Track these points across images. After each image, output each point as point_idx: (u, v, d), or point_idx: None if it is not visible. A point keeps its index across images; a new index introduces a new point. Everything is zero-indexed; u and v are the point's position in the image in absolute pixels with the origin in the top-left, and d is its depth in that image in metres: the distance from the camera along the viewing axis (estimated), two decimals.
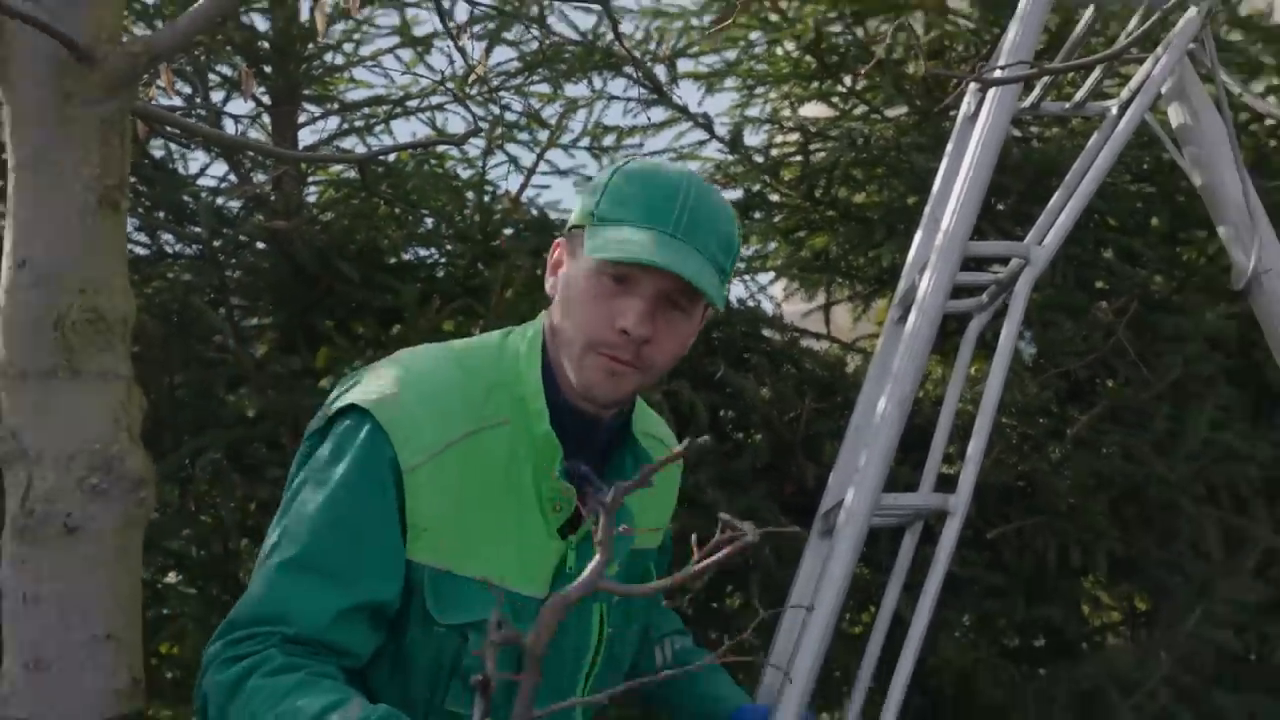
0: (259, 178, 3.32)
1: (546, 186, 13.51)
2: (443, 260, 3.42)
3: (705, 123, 3.60)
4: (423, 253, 3.42)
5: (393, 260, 3.35)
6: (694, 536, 1.07)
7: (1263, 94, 3.63)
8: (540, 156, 3.58)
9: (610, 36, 3.39)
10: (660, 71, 3.62)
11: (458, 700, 1.58)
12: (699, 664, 1.78)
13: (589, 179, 3.58)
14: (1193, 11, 2.33)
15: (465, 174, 3.55)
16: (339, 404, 1.61)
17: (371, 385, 1.62)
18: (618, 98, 3.75)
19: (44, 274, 1.98)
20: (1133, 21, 2.61)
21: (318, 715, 1.41)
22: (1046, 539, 3.19)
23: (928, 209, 2.65)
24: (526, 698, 1.18)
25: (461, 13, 3.56)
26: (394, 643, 1.60)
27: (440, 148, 3.45)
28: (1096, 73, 2.72)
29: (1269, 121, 3.41)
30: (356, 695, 1.47)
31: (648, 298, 1.59)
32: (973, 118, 2.61)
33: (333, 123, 3.55)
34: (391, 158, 3.38)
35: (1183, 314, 3.34)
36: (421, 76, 3.53)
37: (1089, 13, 2.67)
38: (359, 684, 1.57)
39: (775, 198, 3.56)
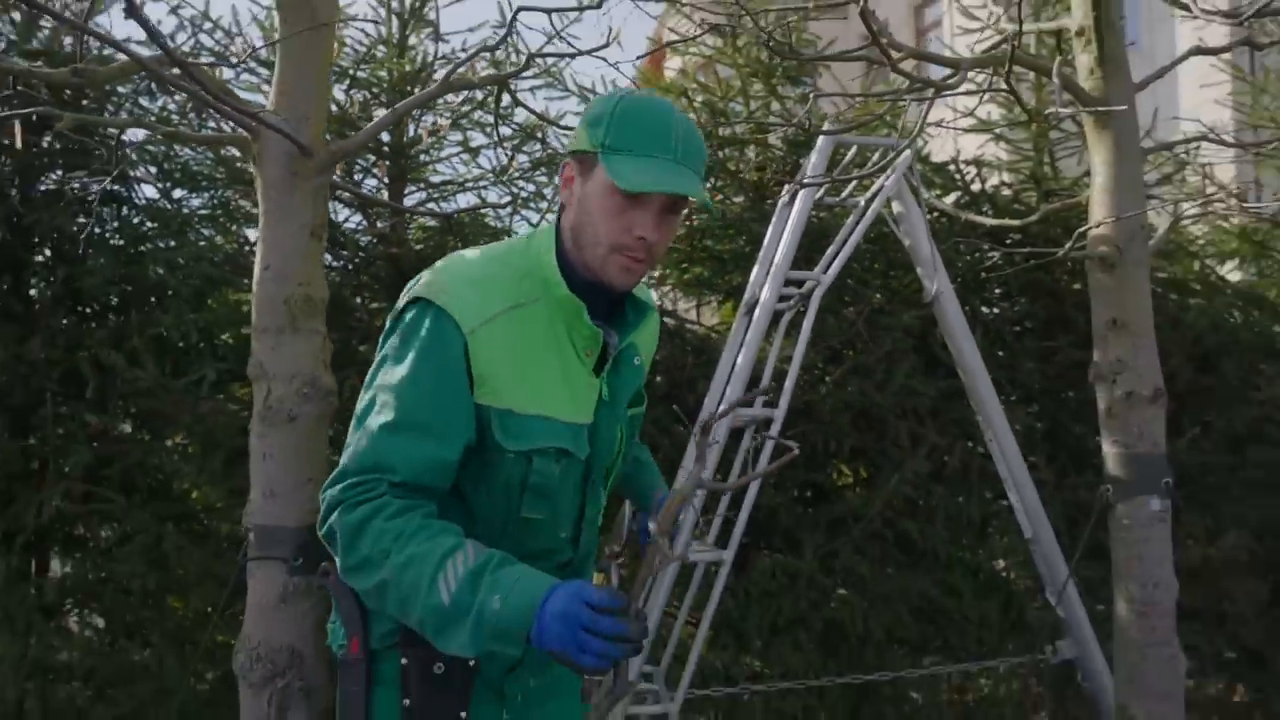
0: (381, 224, 3.28)
1: None
2: None
3: None
4: None
5: None
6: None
7: (935, 196, 3.69)
8: (542, 217, 3.46)
9: None
10: None
11: (530, 508, 1.30)
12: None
13: None
14: (907, 154, 2.42)
15: (498, 225, 3.45)
16: (404, 300, 1.32)
17: (427, 282, 1.32)
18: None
19: (279, 273, 1.91)
20: (875, 155, 2.70)
21: (442, 558, 1.16)
22: (816, 436, 3.11)
23: (762, 252, 2.67)
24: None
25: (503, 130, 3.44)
26: (476, 469, 1.29)
27: (487, 210, 3.38)
28: (854, 184, 2.81)
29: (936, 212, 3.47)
30: (469, 540, 1.20)
31: (656, 209, 1.30)
32: (789, 204, 2.68)
33: (422, 194, 3.45)
34: (455, 214, 3.30)
35: (893, 315, 3.25)
36: (477, 168, 3.47)
37: (853, 150, 2.75)
38: (456, 502, 1.30)
39: (672, 244, 3.40)
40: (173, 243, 3.13)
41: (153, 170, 3.17)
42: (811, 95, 2.65)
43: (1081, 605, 2.60)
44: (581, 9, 1.94)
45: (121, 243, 3.07)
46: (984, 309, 3.54)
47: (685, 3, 2.72)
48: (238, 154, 3.13)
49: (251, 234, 3.39)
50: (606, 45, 2.24)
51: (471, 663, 1.27)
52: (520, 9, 1.84)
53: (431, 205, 3.34)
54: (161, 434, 3.07)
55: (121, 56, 2.00)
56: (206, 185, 3.29)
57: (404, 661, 1.28)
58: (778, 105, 3.47)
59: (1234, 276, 4.06)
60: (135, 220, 3.16)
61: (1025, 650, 3.11)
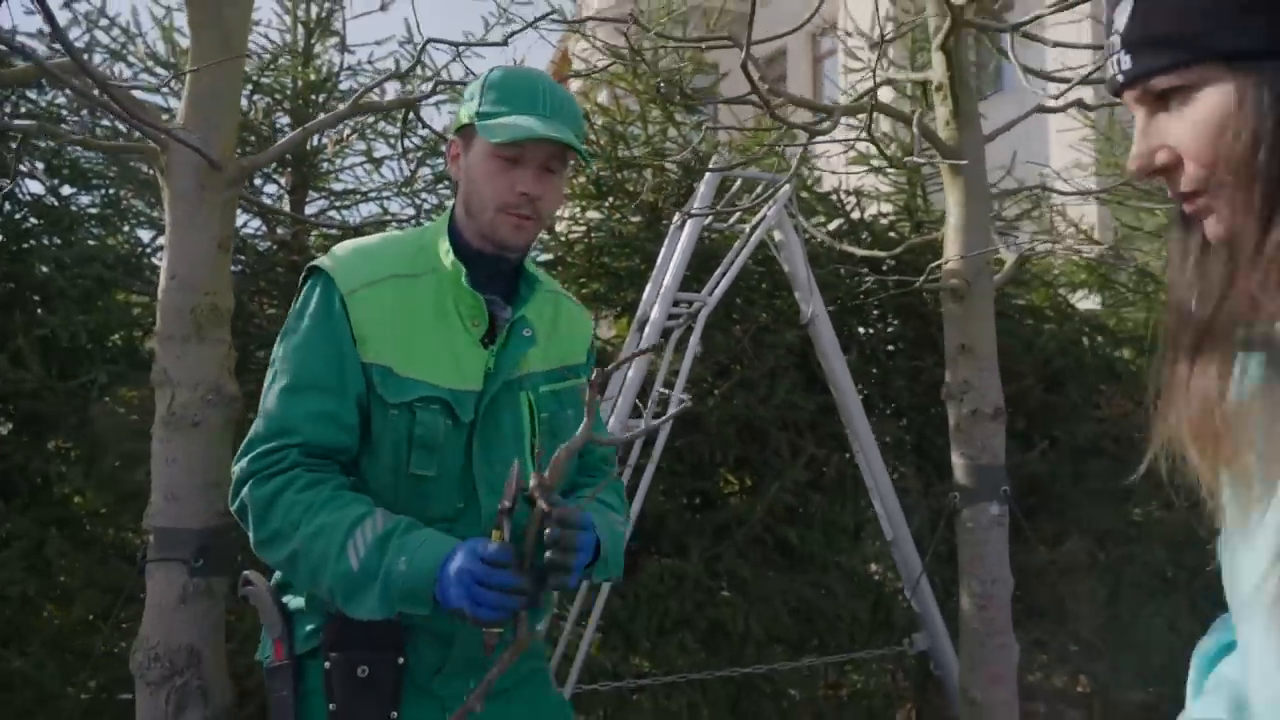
0: (280, 230, 3.31)
1: None
2: None
3: None
4: None
5: None
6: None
7: (819, 223, 3.91)
8: None
9: None
10: None
11: (419, 464, 1.30)
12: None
13: None
14: (787, 187, 2.65)
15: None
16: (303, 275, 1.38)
17: (322, 257, 1.37)
18: None
19: (186, 282, 1.93)
20: (759, 188, 2.93)
21: (350, 526, 1.19)
22: (703, 447, 3.27)
23: (654, 273, 2.88)
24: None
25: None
26: (367, 432, 1.31)
27: (389, 220, 3.42)
28: (740, 213, 3.03)
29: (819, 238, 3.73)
30: (379, 509, 1.24)
31: (535, 165, 1.33)
32: (680, 228, 2.89)
33: (324, 203, 3.47)
34: (360, 225, 3.34)
35: (776, 334, 3.41)
36: (380, 178, 3.51)
37: (739, 182, 2.98)
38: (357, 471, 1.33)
39: (570, 260, 3.54)
40: (59, 241, 3.10)
41: (39, 166, 3.13)
42: (705, 126, 2.85)
43: (934, 600, 2.89)
44: (486, 44, 2.07)
45: (3, 239, 3.01)
46: (860, 329, 3.82)
47: (588, 32, 2.88)
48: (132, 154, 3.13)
49: (144, 235, 3.39)
50: (502, 43, 2.37)
51: (400, 660, 1.29)
52: (429, 41, 1.95)
53: (332, 214, 3.40)
54: (41, 437, 3.03)
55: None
56: (97, 184, 3.26)
57: (327, 665, 1.28)
58: (674, 131, 3.68)
59: (1085, 305, 4.51)
60: (18, 216, 3.12)
61: (893, 646, 3.40)
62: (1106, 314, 4.23)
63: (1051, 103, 2.40)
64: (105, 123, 3.06)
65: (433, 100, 2.43)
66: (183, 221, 1.94)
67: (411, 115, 2.36)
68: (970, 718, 2.36)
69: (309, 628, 1.32)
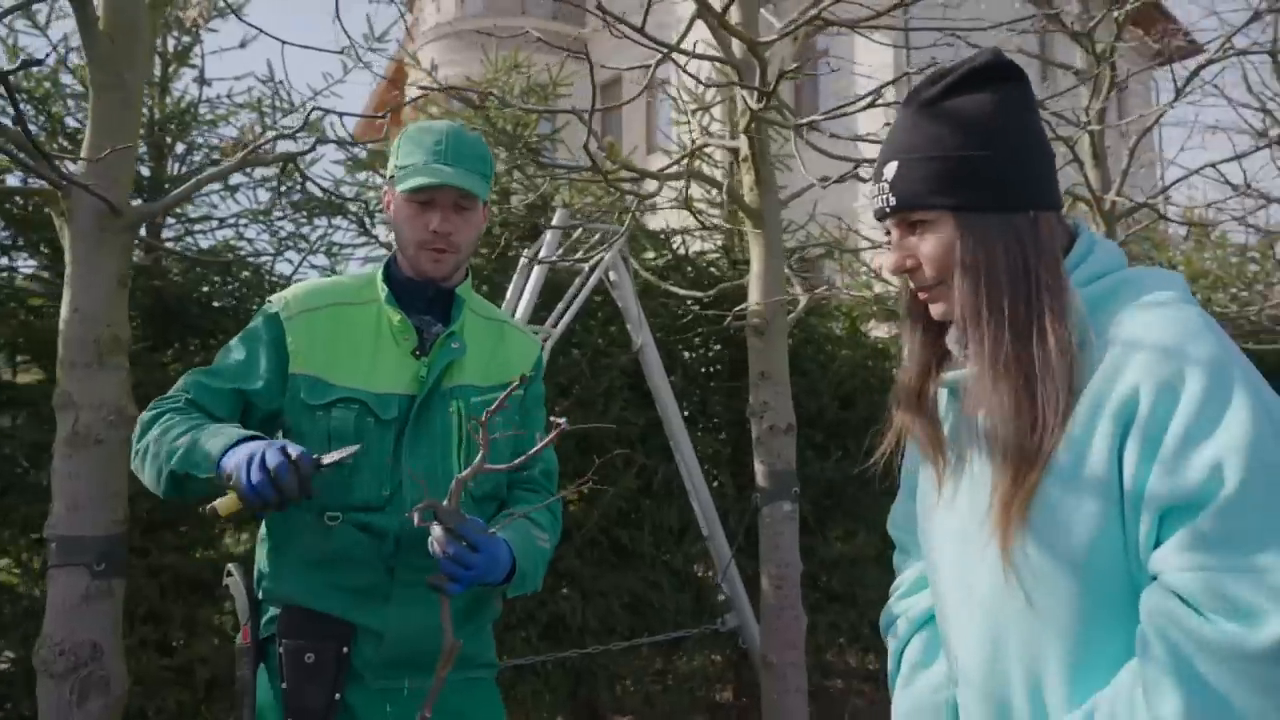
0: (137, 257, 3.45)
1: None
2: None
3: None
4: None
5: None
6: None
7: (649, 259, 4.47)
8: (304, 258, 3.78)
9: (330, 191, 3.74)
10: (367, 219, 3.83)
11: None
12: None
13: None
14: (621, 236, 3.15)
15: (256, 263, 3.71)
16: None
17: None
18: (336, 229, 3.93)
19: (88, 315, 2.13)
20: (596, 235, 3.41)
21: (195, 426, 1.41)
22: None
23: (505, 305, 3.28)
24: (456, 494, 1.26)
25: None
26: (296, 434, 1.49)
27: (242, 247, 3.63)
28: (581, 253, 3.49)
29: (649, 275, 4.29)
30: (234, 425, 1.44)
31: (443, 206, 1.53)
32: (528, 267, 3.31)
33: (180, 228, 3.65)
34: (230, 259, 3.57)
35: (610, 358, 3.78)
36: (235, 204, 3.70)
37: (579, 231, 3.45)
38: None
39: None
40: None
41: None
42: (548, 178, 3.30)
43: (741, 585, 3.46)
44: (366, 115, 2.44)
45: None
46: (685, 354, 4.37)
47: (443, 87, 3.26)
48: None
49: None
50: (382, 116, 2.73)
51: (345, 650, 1.46)
52: (314, 109, 2.29)
53: (189, 240, 3.58)
54: None
55: None
56: None
57: (280, 650, 1.47)
58: (519, 173, 4.10)
59: (877, 333, 5.29)
60: None
61: (711, 630, 3.94)
62: (891, 341, 5.01)
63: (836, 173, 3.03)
64: None
65: (309, 154, 2.73)
66: (83, 261, 2.18)
67: (289, 166, 2.65)
68: (768, 678, 2.92)
69: (269, 615, 1.52)
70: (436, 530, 1.32)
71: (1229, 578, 0.88)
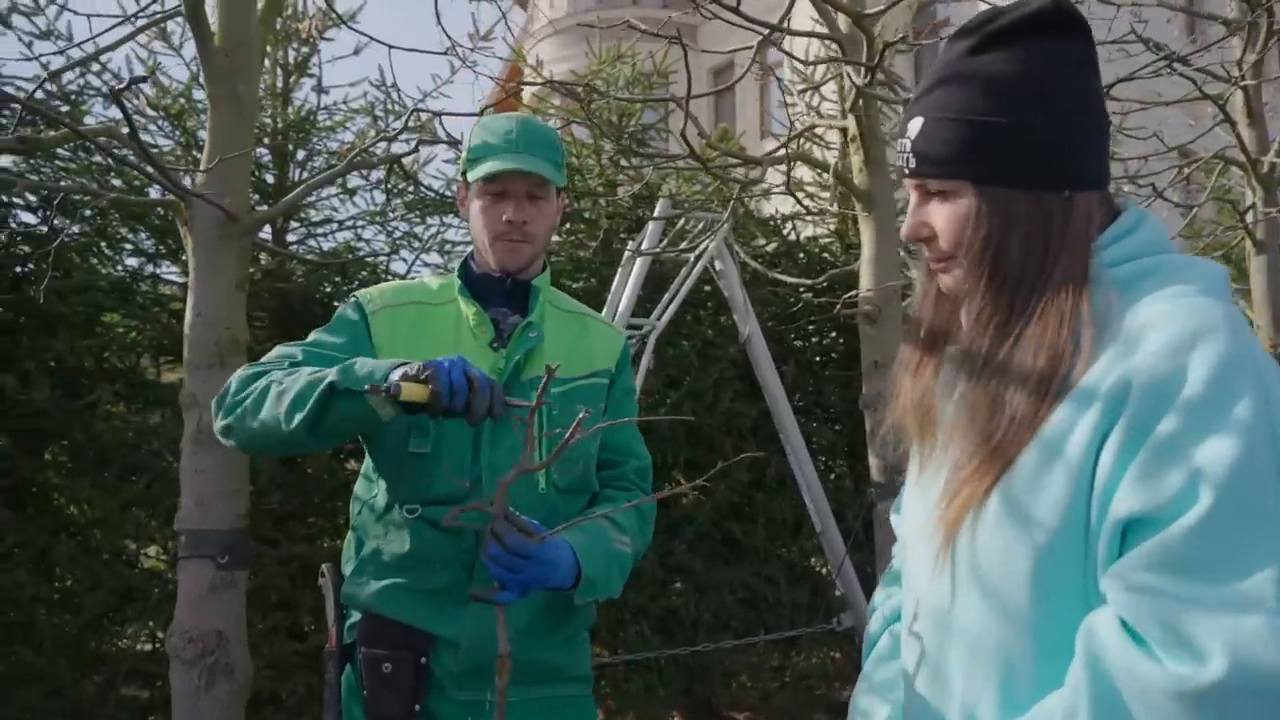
0: (264, 260, 3.62)
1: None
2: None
3: None
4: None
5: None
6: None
7: (760, 246, 4.37)
8: (416, 257, 3.90)
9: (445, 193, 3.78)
10: None
11: (415, 443, 1.45)
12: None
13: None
14: (726, 225, 3.07)
15: (374, 263, 3.85)
16: None
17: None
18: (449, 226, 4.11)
19: (209, 319, 2.24)
20: (700, 224, 3.35)
21: (314, 371, 1.34)
22: (655, 451, 3.44)
23: (609, 298, 3.27)
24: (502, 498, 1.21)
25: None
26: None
27: (361, 248, 3.77)
28: (686, 243, 3.44)
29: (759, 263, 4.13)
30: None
31: (517, 196, 1.51)
32: (631, 260, 3.28)
33: (303, 231, 3.80)
34: (346, 261, 3.72)
35: (720, 349, 3.72)
36: (353, 206, 3.86)
37: (684, 221, 3.39)
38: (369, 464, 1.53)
39: None
40: (54, 270, 3.39)
41: (31, 198, 3.41)
42: (653, 166, 3.26)
43: (857, 583, 3.33)
44: (462, 114, 2.45)
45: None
46: (797, 342, 4.26)
47: (546, 81, 3.27)
48: (119, 183, 3.44)
49: (132, 262, 3.68)
50: (480, 114, 2.76)
51: (422, 660, 1.43)
52: (416, 108, 2.33)
53: (311, 243, 3.73)
54: (39, 452, 3.31)
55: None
56: (86, 214, 3.54)
57: (360, 658, 1.45)
58: (625, 162, 4.07)
59: None
60: (10, 246, 3.38)
61: (826, 629, 3.83)
62: None
63: None
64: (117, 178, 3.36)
65: (413, 155, 2.78)
66: (204, 267, 2.29)
67: (396, 167, 2.71)
68: None
69: (352, 621, 1.49)
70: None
71: (1179, 608, 0.77)
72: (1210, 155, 3.60)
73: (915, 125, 1.00)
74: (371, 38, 2.74)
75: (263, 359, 1.48)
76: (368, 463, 1.56)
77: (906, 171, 1.02)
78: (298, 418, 1.31)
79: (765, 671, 4.17)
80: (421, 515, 1.46)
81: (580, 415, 1.15)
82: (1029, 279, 0.94)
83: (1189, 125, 3.87)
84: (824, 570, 4.17)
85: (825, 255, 4.32)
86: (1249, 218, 3.52)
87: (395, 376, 1.27)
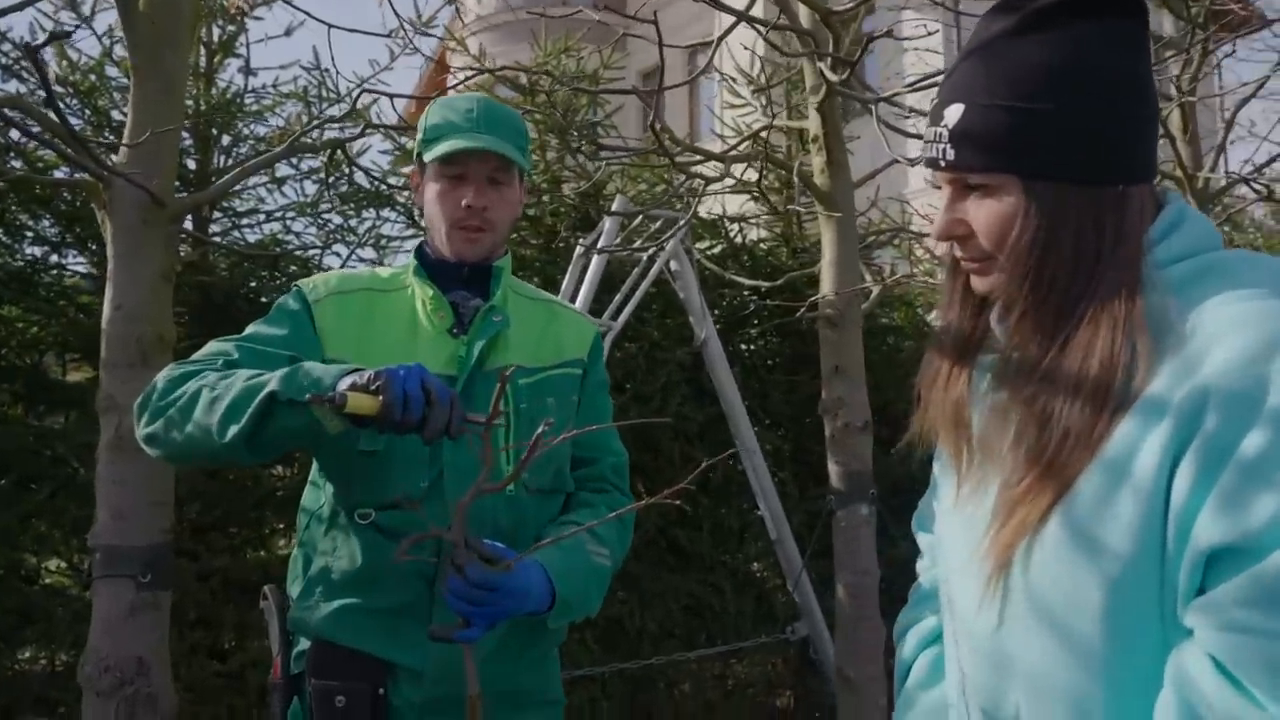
0: (185, 251, 3.37)
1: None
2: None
3: None
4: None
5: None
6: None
7: (705, 249, 4.31)
8: (351, 252, 3.68)
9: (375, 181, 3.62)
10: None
11: (366, 441, 1.31)
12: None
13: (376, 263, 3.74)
14: (683, 224, 2.98)
15: (304, 256, 3.64)
16: None
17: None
18: (385, 220, 3.83)
19: (131, 313, 2.06)
20: (659, 223, 3.24)
21: (256, 374, 1.23)
22: None
23: (560, 297, 3.16)
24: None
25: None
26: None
27: (290, 241, 3.56)
28: (640, 242, 3.34)
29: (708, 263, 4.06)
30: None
31: (477, 180, 1.39)
32: (583, 256, 3.16)
33: (227, 222, 3.55)
34: (278, 252, 3.50)
35: (668, 351, 3.64)
36: (282, 198, 3.63)
37: (637, 220, 3.28)
38: (316, 468, 1.41)
39: None
40: None
41: None
42: (603, 164, 3.14)
43: (813, 592, 3.28)
44: (412, 96, 2.30)
45: None
46: (743, 346, 4.20)
47: (489, 70, 3.10)
48: (20, 164, 3.14)
49: (35, 251, 3.38)
50: (436, 95, 2.59)
51: (381, 692, 1.31)
52: (362, 92, 2.16)
53: (236, 234, 3.48)
54: None
55: None
56: None
57: (309, 690, 1.33)
58: (571, 159, 3.95)
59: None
60: None
61: (776, 634, 3.77)
62: None
63: (910, 155, 2.83)
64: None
65: (339, 119, 2.60)
66: (126, 255, 2.08)
67: (338, 154, 2.53)
68: (846, 694, 2.74)
69: (300, 649, 1.37)
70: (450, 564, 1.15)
71: None
72: None
73: (954, 112, 0.90)
74: (309, 14, 2.55)
75: (193, 356, 1.35)
76: (315, 467, 1.43)
77: (943, 163, 0.91)
78: (233, 430, 1.19)
79: (707, 680, 4.10)
80: (375, 522, 1.34)
81: (540, 428, 1.04)
82: (1080, 281, 0.87)
83: None
84: (768, 576, 4.13)
85: (771, 259, 4.28)
86: None
87: (343, 386, 1.15)
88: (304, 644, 1.38)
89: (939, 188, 0.97)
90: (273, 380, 1.18)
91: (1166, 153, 3.63)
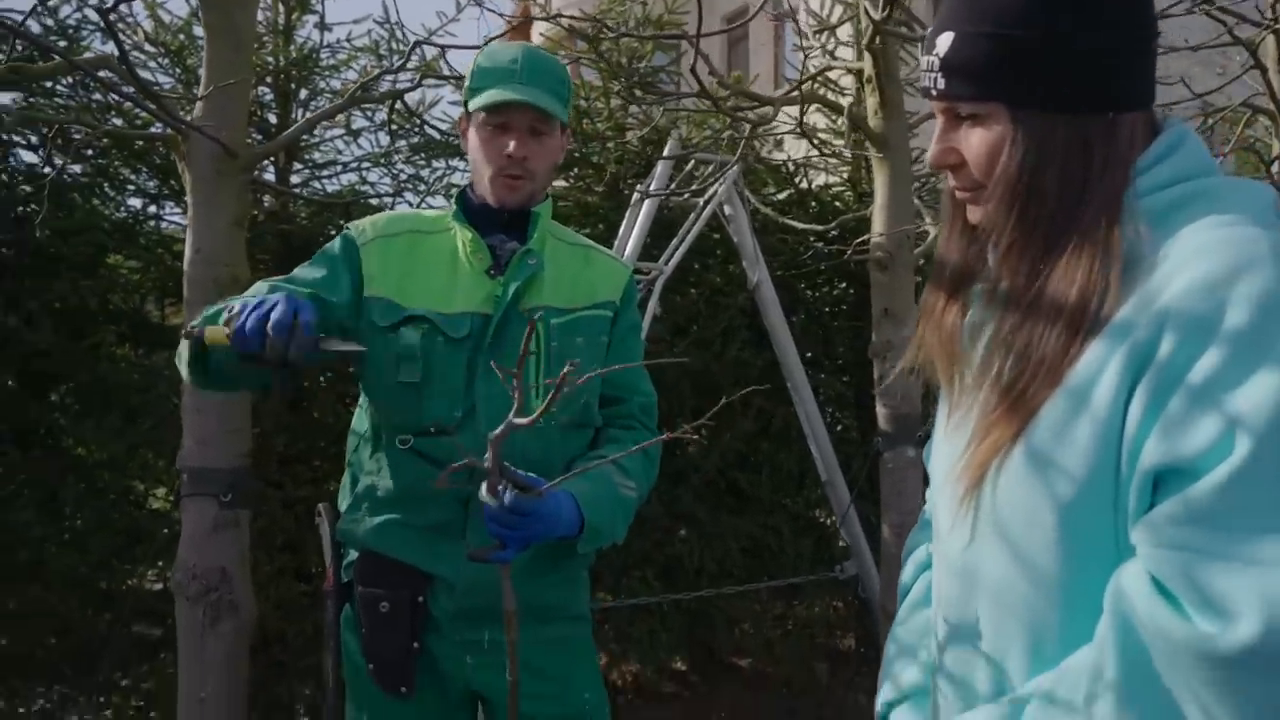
0: (268, 201, 3.58)
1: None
2: None
3: None
4: None
5: None
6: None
7: (769, 194, 4.27)
8: (421, 200, 3.78)
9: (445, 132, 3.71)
10: None
11: (405, 373, 1.42)
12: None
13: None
14: (736, 168, 3.00)
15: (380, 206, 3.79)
16: None
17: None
18: (454, 170, 4.01)
19: (209, 257, 2.21)
20: (709, 168, 3.27)
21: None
22: (662, 399, 3.57)
23: (616, 243, 3.18)
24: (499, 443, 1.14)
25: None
26: (369, 350, 1.41)
27: (367, 189, 3.71)
28: (695, 186, 3.37)
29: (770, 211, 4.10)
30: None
31: (519, 129, 1.46)
32: (639, 203, 3.22)
33: (307, 173, 3.76)
34: (348, 200, 3.67)
35: (729, 296, 3.64)
36: (358, 149, 3.79)
37: (692, 164, 3.31)
38: (364, 397, 1.52)
39: None
40: (56, 210, 3.35)
41: (32, 138, 3.36)
42: (664, 105, 3.18)
43: (861, 532, 3.32)
44: (466, 46, 2.39)
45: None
46: (807, 292, 4.20)
47: (554, 15, 3.17)
48: (120, 122, 3.38)
49: (135, 203, 3.65)
50: (480, 47, 2.68)
51: (420, 599, 1.43)
52: (417, 42, 2.26)
53: (316, 185, 3.67)
54: (44, 394, 3.31)
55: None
56: (90, 154, 3.49)
57: (357, 596, 1.46)
58: (634, 107, 3.98)
59: None
60: (11, 185, 3.34)
61: (829, 577, 3.84)
62: None
63: None
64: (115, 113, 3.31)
65: (417, 91, 2.72)
66: (203, 203, 2.25)
67: (399, 104, 2.65)
68: (888, 629, 2.80)
69: (349, 560, 1.50)
70: (482, 490, 1.22)
71: (1213, 565, 0.74)
72: (1239, 103, 3.48)
73: (945, 40, 0.92)
74: None
75: (238, 295, 1.47)
76: (361, 394, 1.54)
77: (934, 92, 0.94)
78: (184, 369, 1.36)
79: (768, 620, 4.20)
80: (414, 447, 1.44)
81: (566, 368, 1.10)
82: (1065, 211, 0.88)
83: (1217, 74, 3.75)
84: (828, 521, 4.17)
85: (837, 204, 4.23)
86: (1275, 168, 3.43)
87: (222, 321, 1.27)
88: (353, 555, 1.51)
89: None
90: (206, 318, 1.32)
91: (1255, 85, 3.44)
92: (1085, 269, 0.86)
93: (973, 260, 1.00)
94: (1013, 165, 0.89)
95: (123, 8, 1.75)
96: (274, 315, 1.24)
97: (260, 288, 1.45)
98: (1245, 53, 3.21)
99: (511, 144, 1.45)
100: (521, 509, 1.26)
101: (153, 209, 3.63)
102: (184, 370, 1.37)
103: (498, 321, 1.47)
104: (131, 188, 3.62)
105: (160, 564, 3.31)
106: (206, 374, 1.37)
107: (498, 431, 1.15)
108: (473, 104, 1.48)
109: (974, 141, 0.92)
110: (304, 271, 1.50)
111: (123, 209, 3.59)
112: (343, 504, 1.53)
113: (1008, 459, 0.88)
